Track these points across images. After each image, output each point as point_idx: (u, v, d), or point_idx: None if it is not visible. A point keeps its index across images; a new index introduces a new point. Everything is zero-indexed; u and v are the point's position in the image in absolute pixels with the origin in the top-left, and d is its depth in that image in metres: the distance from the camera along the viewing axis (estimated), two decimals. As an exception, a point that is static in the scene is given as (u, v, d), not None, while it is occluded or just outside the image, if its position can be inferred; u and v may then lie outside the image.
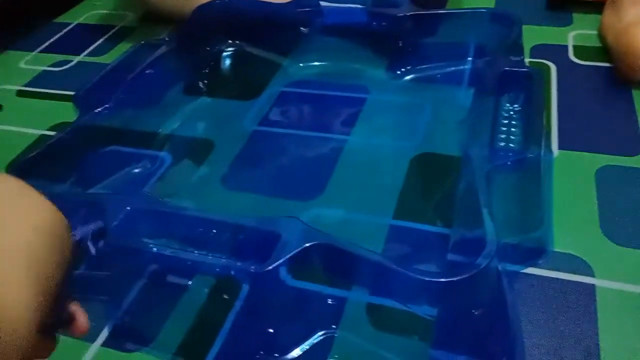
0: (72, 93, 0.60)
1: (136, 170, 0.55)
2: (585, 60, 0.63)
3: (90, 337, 0.41)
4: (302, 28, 0.67)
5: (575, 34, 0.68)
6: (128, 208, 0.40)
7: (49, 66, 0.75)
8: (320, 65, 0.68)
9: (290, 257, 0.35)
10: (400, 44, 0.65)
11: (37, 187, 0.27)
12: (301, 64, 0.68)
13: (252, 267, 0.35)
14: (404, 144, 0.55)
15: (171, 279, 0.42)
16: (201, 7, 0.67)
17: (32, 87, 0.71)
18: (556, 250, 0.43)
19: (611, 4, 0.65)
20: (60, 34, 0.83)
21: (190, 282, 0.42)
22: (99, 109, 0.55)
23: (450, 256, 0.43)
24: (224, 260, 0.36)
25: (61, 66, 0.75)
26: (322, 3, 0.66)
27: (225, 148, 0.57)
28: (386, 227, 0.46)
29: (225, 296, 0.41)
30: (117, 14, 0.86)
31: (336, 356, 0.38)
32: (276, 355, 0.38)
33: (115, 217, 0.39)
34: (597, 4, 0.69)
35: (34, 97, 0.69)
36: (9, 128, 0.64)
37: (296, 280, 0.39)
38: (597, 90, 0.59)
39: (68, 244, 0.27)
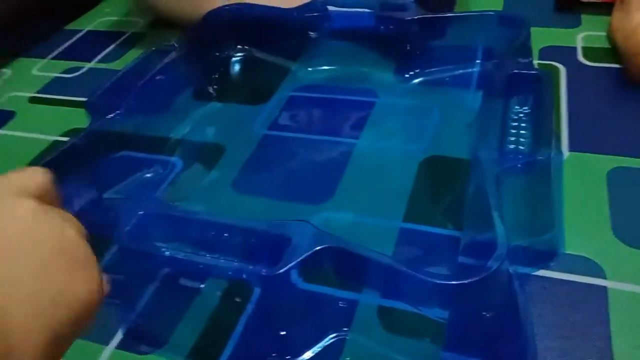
0: (84, 99, 0.60)
1: (148, 175, 0.55)
2: (595, 61, 0.63)
3: (105, 339, 0.41)
4: (310, 33, 0.68)
5: (584, 35, 0.68)
6: (141, 212, 0.40)
7: (61, 73, 0.76)
8: (328, 69, 0.68)
9: (301, 261, 0.35)
10: (408, 48, 0.65)
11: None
12: (310, 69, 0.68)
13: (264, 270, 0.35)
14: (413, 147, 0.55)
15: (184, 282, 0.42)
16: (210, 13, 0.67)
17: (45, 93, 0.72)
18: (567, 252, 0.43)
19: (620, 5, 0.65)
20: (72, 41, 0.84)
21: (202, 286, 0.42)
22: (111, 115, 0.55)
23: (461, 259, 0.43)
24: (235, 263, 0.36)
25: (73, 73, 0.76)
26: (330, 8, 0.66)
27: (236, 152, 0.57)
28: (396, 230, 0.46)
29: (237, 299, 0.42)
30: (128, 21, 0.87)
31: (348, 358, 0.38)
32: (288, 357, 0.38)
33: (128, 221, 0.40)
34: (606, 5, 0.69)
35: (46, 103, 0.70)
36: (23, 134, 0.65)
37: (307, 283, 0.40)
38: (607, 91, 0.59)
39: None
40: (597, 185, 0.48)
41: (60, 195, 0.30)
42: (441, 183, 0.51)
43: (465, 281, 0.33)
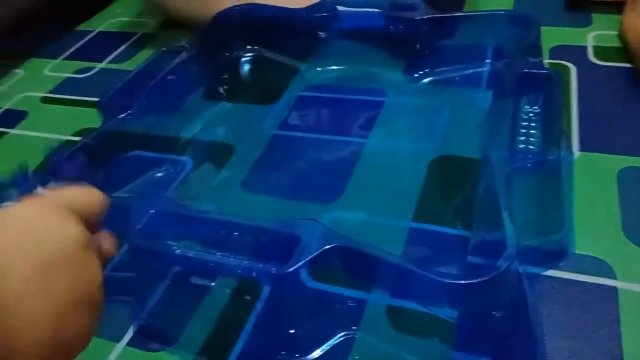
0: (95, 99, 0.61)
1: (158, 175, 0.56)
2: (605, 61, 0.63)
3: (116, 337, 0.42)
4: (319, 33, 0.68)
5: (594, 34, 0.68)
6: (152, 211, 0.41)
7: (73, 73, 0.77)
8: (338, 69, 0.68)
9: (310, 259, 0.35)
10: (418, 47, 0.65)
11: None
12: (319, 69, 0.68)
13: (273, 268, 0.36)
14: (423, 146, 0.55)
15: (194, 280, 0.42)
16: (221, 14, 0.68)
17: (57, 93, 0.73)
18: (577, 252, 0.43)
19: (632, 4, 0.64)
20: (83, 41, 0.85)
21: (212, 284, 0.43)
22: (123, 115, 0.56)
23: (471, 258, 0.43)
24: (245, 262, 0.37)
25: (84, 73, 0.76)
26: (339, 8, 0.66)
27: (246, 152, 0.58)
28: (405, 229, 0.46)
29: (247, 297, 0.42)
30: (138, 21, 0.87)
31: (356, 357, 0.38)
32: (297, 355, 0.38)
33: (140, 220, 0.40)
34: (617, 4, 0.68)
35: (58, 103, 0.71)
36: (35, 134, 0.66)
37: (317, 282, 0.40)
38: (617, 91, 0.59)
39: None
40: (607, 185, 0.48)
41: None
42: (451, 183, 0.51)
43: (475, 281, 0.33)
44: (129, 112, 0.56)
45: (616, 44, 0.65)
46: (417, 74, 0.65)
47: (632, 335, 0.37)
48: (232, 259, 0.37)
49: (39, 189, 0.29)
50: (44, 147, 0.62)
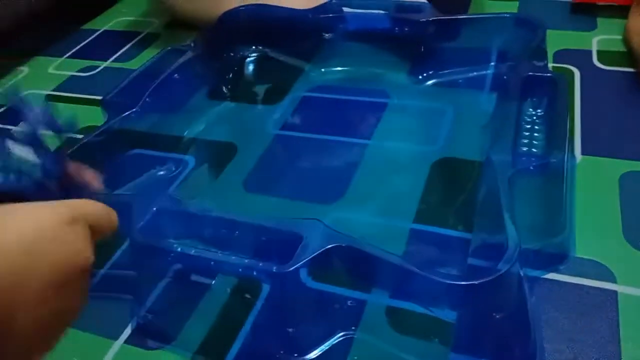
0: (99, 98, 0.61)
1: (161, 173, 0.56)
2: (610, 65, 0.63)
3: (114, 334, 0.42)
4: (324, 34, 0.68)
5: (599, 38, 0.67)
6: (154, 209, 0.41)
7: (77, 71, 0.77)
8: (342, 70, 0.68)
9: (311, 259, 0.35)
10: (422, 49, 0.65)
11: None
12: (323, 69, 0.68)
13: (274, 267, 0.36)
14: (425, 148, 0.55)
15: (194, 278, 0.43)
16: (226, 14, 0.68)
17: (61, 91, 0.73)
18: (578, 256, 0.43)
19: (637, 8, 0.64)
20: (88, 40, 0.85)
21: (213, 282, 0.43)
22: (126, 113, 0.56)
23: (471, 260, 0.43)
24: (246, 260, 0.37)
25: (89, 72, 0.77)
26: (345, 9, 0.66)
27: (248, 152, 0.58)
28: (407, 231, 0.46)
29: (247, 295, 0.42)
30: (144, 21, 0.88)
31: (355, 358, 0.38)
32: (296, 355, 0.38)
33: (142, 217, 0.40)
34: (622, 8, 0.68)
35: (62, 101, 0.71)
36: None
37: (316, 282, 0.40)
38: (621, 95, 0.58)
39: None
40: (609, 189, 0.48)
41: None
42: (453, 185, 0.51)
43: (476, 282, 0.33)
44: (132, 110, 0.57)
45: (621, 48, 0.65)
46: (421, 75, 0.65)
47: (631, 338, 0.37)
48: (233, 258, 0.37)
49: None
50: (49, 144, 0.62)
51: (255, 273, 0.37)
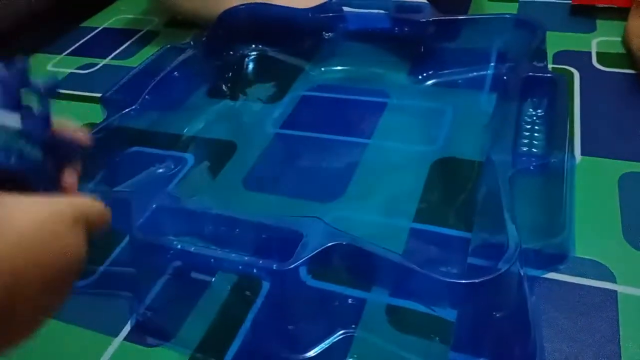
0: (98, 95, 0.61)
1: (160, 171, 0.56)
2: (609, 66, 0.63)
3: (113, 331, 0.42)
4: (325, 33, 0.68)
5: (598, 40, 0.68)
6: (154, 206, 0.41)
7: (76, 69, 0.77)
8: (342, 69, 0.68)
9: (312, 256, 0.35)
10: (422, 49, 0.65)
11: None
12: (323, 69, 0.68)
13: (274, 265, 0.35)
14: (425, 148, 0.55)
15: (194, 275, 0.42)
16: (227, 12, 0.68)
17: (60, 89, 0.73)
18: (578, 255, 0.43)
19: (636, 10, 0.64)
20: (87, 37, 0.85)
21: (212, 279, 0.43)
22: (126, 111, 0.56)
23: (471, 260, 0.43)
24: (246, 258, 0.37)
25: (88, 69, 0.76)
26: (345, 9, 0.66)
27: (248, 150, 0.58)
28: (406, 230, 0.46)
29: (247, 293, 0.42)
30: (143, 19, 0.87)
31: (355, 355, 0.38)
32: (296, 353, 0.38)
33: (141, 214, 0.40)
34: (622, 10, 0.68)
35: (61, 98, 0.71)
36: (38, 128, 0.66)
37: (316, 280, 0.40)
38: (620, 96, 0.59)
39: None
40: (608, 189, 0.48)
41: None
42: (453, 184, 0.51)
43: (476, 280, 0.33)
44: (132, 108, 0.57)
45: (620, 50, 0.65)
46: (421, 75, 0.65)
47: (631, 338, 0.37)
48: (233, 255, 0.37)
49: None
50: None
51: (255, 271, 0.37)
